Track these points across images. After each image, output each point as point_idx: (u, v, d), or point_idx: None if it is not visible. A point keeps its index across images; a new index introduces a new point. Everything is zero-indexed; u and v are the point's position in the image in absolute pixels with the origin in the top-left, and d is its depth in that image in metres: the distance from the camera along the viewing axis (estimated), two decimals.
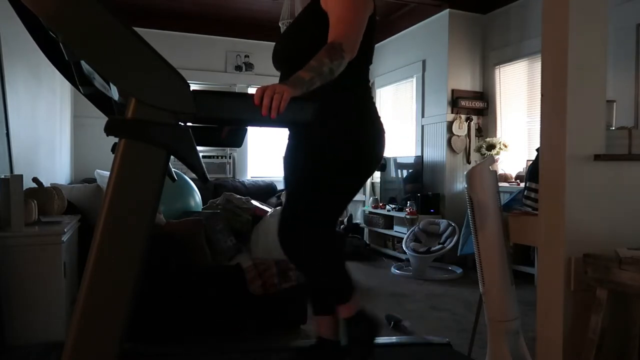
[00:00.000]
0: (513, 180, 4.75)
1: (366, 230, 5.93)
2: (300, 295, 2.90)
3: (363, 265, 5.04)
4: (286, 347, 2.27)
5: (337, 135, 1.65)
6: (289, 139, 1.81)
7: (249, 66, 6.12)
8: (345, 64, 1.48)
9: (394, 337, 2.58)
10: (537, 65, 4.24)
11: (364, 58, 1.67)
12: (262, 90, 1.21)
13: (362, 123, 1.69)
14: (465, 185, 2.16)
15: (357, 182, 1.76)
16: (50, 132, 4.08)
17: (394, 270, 4.72)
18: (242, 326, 2.78)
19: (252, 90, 6.68)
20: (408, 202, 5.21)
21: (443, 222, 4.80)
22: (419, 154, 5.52)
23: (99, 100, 1.45)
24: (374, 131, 1.72)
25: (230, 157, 6.14)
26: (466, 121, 5.18)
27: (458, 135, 5.14)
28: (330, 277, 1.73)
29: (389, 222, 5.52)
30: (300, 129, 1.70)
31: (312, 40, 1.61)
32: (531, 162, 3.00)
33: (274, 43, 1.84)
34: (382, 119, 1.76)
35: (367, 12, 1.63)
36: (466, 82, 5.22)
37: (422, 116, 5.55)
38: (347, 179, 1.69)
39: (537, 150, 2.03)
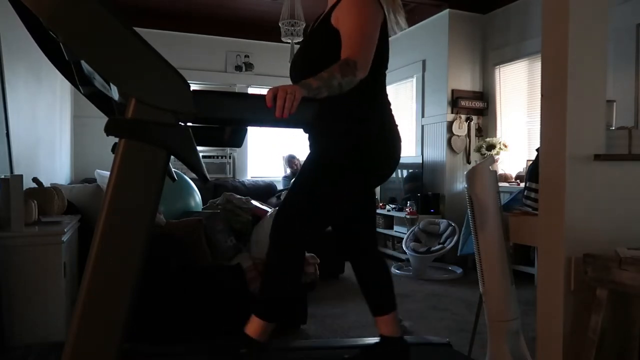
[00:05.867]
0: (513, 180, 4.75)
1: None
2: (300, 295, 2.90)
3: None
4: (286, 347, 2.27)
5: (352, 142, 1.67)
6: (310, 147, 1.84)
7: (249, 66, 6.11)
8: (356, 83, 1.49)
9: None
10: (537, 65, 4.24)
11: (381, 64, 1.69)
12: (274, 92, 1.22)
13: (378, 132, 1.71)
14: (465, 185, 2.16)
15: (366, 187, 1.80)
16: (50, 132, 4.08)
17: (394, 270, 4.72)
18: (242, 326, 2.77)
19: (252, 90, 6.63)
20: (408, 202, 5.21)
21: (443, 222, 4.80)
22: (419, 153, 5.52)
23: (99, 100, 1.45)
24: (390, 140, 1.75)
25: (230, 157, 6.15)
26: (466, 121, 5.19)
27: (458, 135, 5.15)
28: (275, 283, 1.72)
29: (389, 222, 5.52)
30: (313, 132, 1.73)
31: (324, 58, 1.59)
32: (531, 162, 3.00)
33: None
34: (396, 126, 1.79)
35: (378, 23, 1.64)
36: (466, 82, 5.22)
37: (422, 116, 5.55)
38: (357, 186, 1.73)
39: (537, 150, 2.03)
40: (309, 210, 1.67)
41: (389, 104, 1.79)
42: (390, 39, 1.75)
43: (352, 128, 1.68)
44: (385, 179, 1.88)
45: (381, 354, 1.85)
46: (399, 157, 1.80)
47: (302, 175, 1.76)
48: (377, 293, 1.89)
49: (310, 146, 1.82)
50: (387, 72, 1.79)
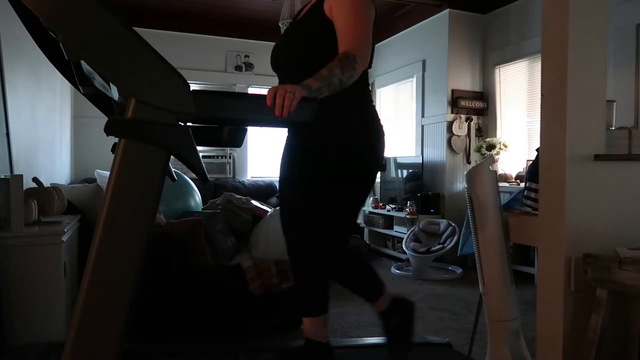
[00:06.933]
0: (513, 180, 4.75)
1: (366, 230, 5.94)
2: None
3: None
4: (286, 347, 2.27)
5: (336, 139, 1.65)
6: (287, 139, 1.81)
7: (249, 66, 6.12)
8: (357, 76, 1.48)
9: None
10: (537, 65, 4.24)
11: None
12: (274, 91, 1.21)
13: (361, 127, 1.69)
14: (465, 185, 2.16)
15: (359, 187, 1.76)
16: (50, 132, 4.08)
17: (394, 271, 4.72)
18: (242, 326, 2.78)
19: (252, 90, 6.61)
20: (408, 202, 5.21)
21: (443, 222, 4.80)
22: (419, 153, 5.52)
23: (99, 100, 1.45)
24: (373, 135, 1.72)
25: (230, 157, 6.15)
26: (466, 121, 5.18)
27: (458, 135, 5.15)
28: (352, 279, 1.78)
29: (389, 222, 5.52)
30: (300, 131, 1.72)
31: (314, 47, 1.61)
32: (531, 162, 3.00)
33: (274, 43, 1.84)
34: (381, 122, 1.77)
35: (372, 18, 1.63)
36: (466, 82, 5.22)
37: (422, 116, 5.55)
38: (347, 184, 1.69)
39: (537, 150, 2.03)
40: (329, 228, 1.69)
41: (372, 102, 1.77)
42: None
43: (339, 127, 1.66)
44: (374, 178, 1.81)
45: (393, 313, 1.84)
46: (382, 157, 1.77)
47: (309, 184, 1.70)
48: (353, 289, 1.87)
49: (294, 139, 1.77)
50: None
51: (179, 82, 1.14)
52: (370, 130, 1.71)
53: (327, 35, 1.58)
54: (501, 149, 4.91)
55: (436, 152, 5.31)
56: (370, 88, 1.82)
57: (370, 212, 5.83)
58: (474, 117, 5.22)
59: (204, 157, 5.78)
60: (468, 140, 5.19)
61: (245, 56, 6.12)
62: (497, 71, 5.13)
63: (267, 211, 3.47)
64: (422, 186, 5.30)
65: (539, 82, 1.94)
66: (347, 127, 1.66)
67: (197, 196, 3.68)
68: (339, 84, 1.41)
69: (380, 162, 1.76)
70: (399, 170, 5.67)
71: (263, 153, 6.39)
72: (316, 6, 1.66)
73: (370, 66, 1.71)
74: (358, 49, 1.51)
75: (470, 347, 2.32)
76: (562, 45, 1.81)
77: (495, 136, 5.09)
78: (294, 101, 1.21)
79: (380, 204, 5.70)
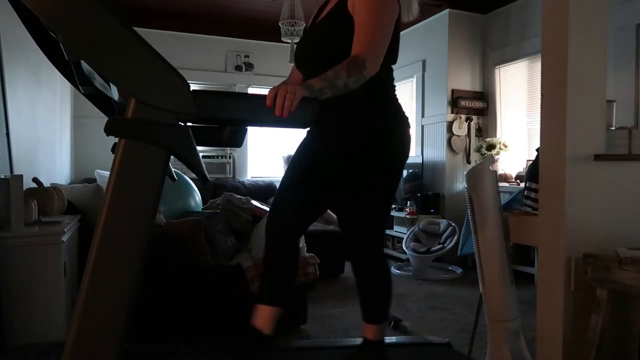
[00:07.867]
0: (513, 180, 4.75)
1: None
2: (300, 295, 2.90)
3: None
4: (286, 347, 2.27)
5: (362, 135, 1.67)
6: (307, 136, 1.82)
7: (249, 66, 6.11)
8: (364, 81, 1.48)
9: (394, 337, 2.58)
10: (537, 65, 4.24)
11: (390, 59, 1.68)
12: (275, 91, 1.22)
13: (387, 124, 1.70)
14: (465, 185, 2.16)
15: (390, 181, 1.81)
16: (50, 132, 4.08)
17: (394, 270, 4.71)
18: (241, 326, 2.78)
19: (252, 90, 6.59)
20: (408, 202, 5.21)
21: (443, 222, 4.80)
22: (419, 154, 5.52)
23: (99, 100, 1.45)
24: (399, 132, 1.73)
25: (230, 157, 6.14)
26: (466, 121, 5.19)
27: (458, 135, 5.15)
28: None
29: (389, 222, 5.52)
30: (316, 128, 1.74)
31: (338, 45, 1.59)
32: (531, 162, 3.00)
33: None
34: (408, 118, 1.77)
35: (393, 18, 1.62)
36: (466, 82, 5.22)
37: (422, 116, 5.55)
38: (378, 179, 1.74)
39: (537, 150, 2.03)
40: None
41: (396, 98, 1.77)
42: None
43: (359, 124, 1.67)
44: (400, 172, 1.86)
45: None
46: (408, 151, 1.79)
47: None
48: (370, 299, 1.84)
49: (317, 144, 1.79)
50: None
51: (179, 82, 1.13)
52: (395, 129, 1.73)
53: (351, 33, 1.56)
54: (501, 149, 4.91)
55: (436, 152, 5.31)
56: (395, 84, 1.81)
57: None
58: (474, 117, 5.22)
59: (204, 157, 5.79)
60: (468, 140, 5.19)
61: (245, 56, 6.11)
62: (497, 71, 5.13)
63: (267, 211, 3.46)
64: (422, 186, 5.30)
65: (539, 82, 1.94)
66: (372, 126, 1.67)
67: (197, 196, 3.68)
68: (344, 87, 1.41)
69: (403, 159, 1.80)
70: None
71: (263, 153, 6.39)
72: (340, 3, 1.65)
73: (395, 62, 1.74)
74: (369, 53, 1.49)
75: (470, 347, 2.32)
76: (562, 45, 1.81)
77: (495, 136, 5.09)
78: (294, 102, 1.21)
79: None
